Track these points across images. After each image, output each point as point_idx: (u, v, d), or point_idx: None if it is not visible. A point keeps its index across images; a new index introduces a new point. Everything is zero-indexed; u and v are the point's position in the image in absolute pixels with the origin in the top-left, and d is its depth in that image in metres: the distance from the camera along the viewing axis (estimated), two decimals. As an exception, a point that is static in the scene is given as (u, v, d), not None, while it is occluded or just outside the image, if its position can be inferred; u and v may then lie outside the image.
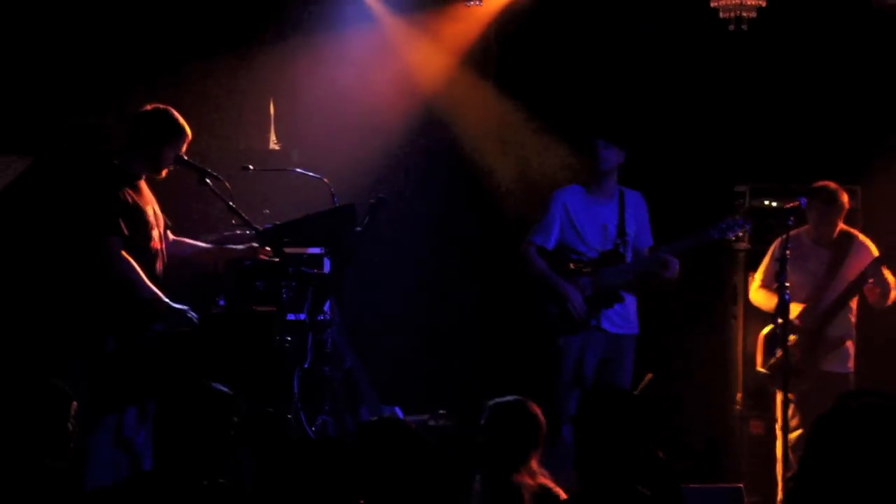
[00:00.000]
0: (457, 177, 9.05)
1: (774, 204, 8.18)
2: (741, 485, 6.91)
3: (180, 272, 6.79)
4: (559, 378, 7.35)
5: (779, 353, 7.32)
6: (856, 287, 7.55)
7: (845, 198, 7.61)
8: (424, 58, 8.96)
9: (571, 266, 7.43)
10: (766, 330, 7.66)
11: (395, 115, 8.79)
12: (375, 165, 8.66)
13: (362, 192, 7.72)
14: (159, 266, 6.58)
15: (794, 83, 8.90)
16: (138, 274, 6.35)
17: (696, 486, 7.60)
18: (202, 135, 7.15)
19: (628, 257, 7.45)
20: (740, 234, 7.60)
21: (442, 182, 9.02)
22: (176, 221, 6.88)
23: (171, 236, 6.80)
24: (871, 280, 7.50)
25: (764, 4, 7.60)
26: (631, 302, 7.48)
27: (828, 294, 7.57)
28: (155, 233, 6.56)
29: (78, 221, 6.50)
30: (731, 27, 7.57)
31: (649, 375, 7.03)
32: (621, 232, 7.41)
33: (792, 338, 7.31)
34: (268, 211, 7.30)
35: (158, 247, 6.58)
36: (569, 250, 7.43)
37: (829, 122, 8.81)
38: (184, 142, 6.60)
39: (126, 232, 6.38)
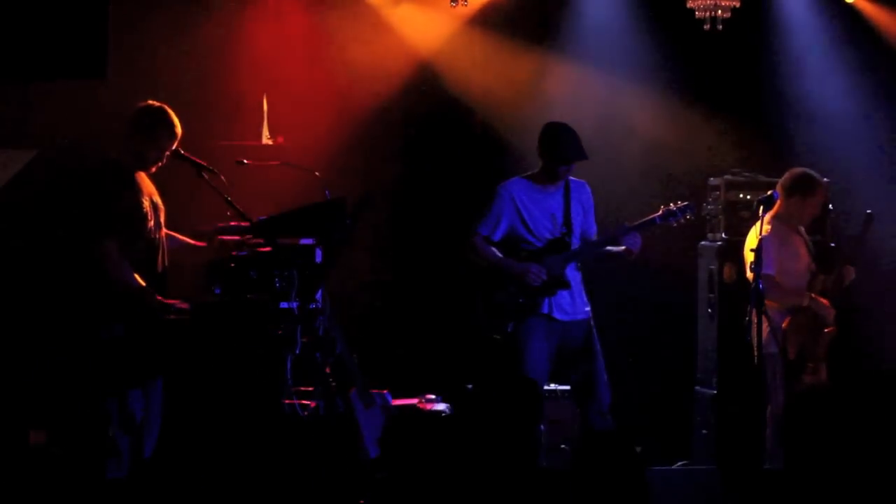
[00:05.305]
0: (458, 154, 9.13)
1: (748, 197, 8.37)
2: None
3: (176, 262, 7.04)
4: (520, 363, 7.33)
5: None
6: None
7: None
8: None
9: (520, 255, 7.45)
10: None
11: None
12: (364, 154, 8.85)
13: (352, 183, 7.89)
14: (158, 256, 6.81)
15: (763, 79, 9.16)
16: (131, 274, 6.59)
17: (673, 467, 7.91)
18: (198, 130, 7.32)
19: (574, 245, 7.46)
20: (683, 220, 7.52)
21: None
22: (173, 213, 7.07)
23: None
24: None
25: (738, 5, 7.85)
26: (580, 287, 7.49)
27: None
28: (152, 224, 6.76)
29: (74, 223, 6.72)
30: (707, 27, 7.81)
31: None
32: (567, 221, 7.44)
33: (828, 329, 7.52)
34: (261, 203, 7.49)
35: (156, 237, 6.79)
36: (517, 240, 7.46)
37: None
38: (175, 139, 6.79)
39: (121, 229, 6.61)
